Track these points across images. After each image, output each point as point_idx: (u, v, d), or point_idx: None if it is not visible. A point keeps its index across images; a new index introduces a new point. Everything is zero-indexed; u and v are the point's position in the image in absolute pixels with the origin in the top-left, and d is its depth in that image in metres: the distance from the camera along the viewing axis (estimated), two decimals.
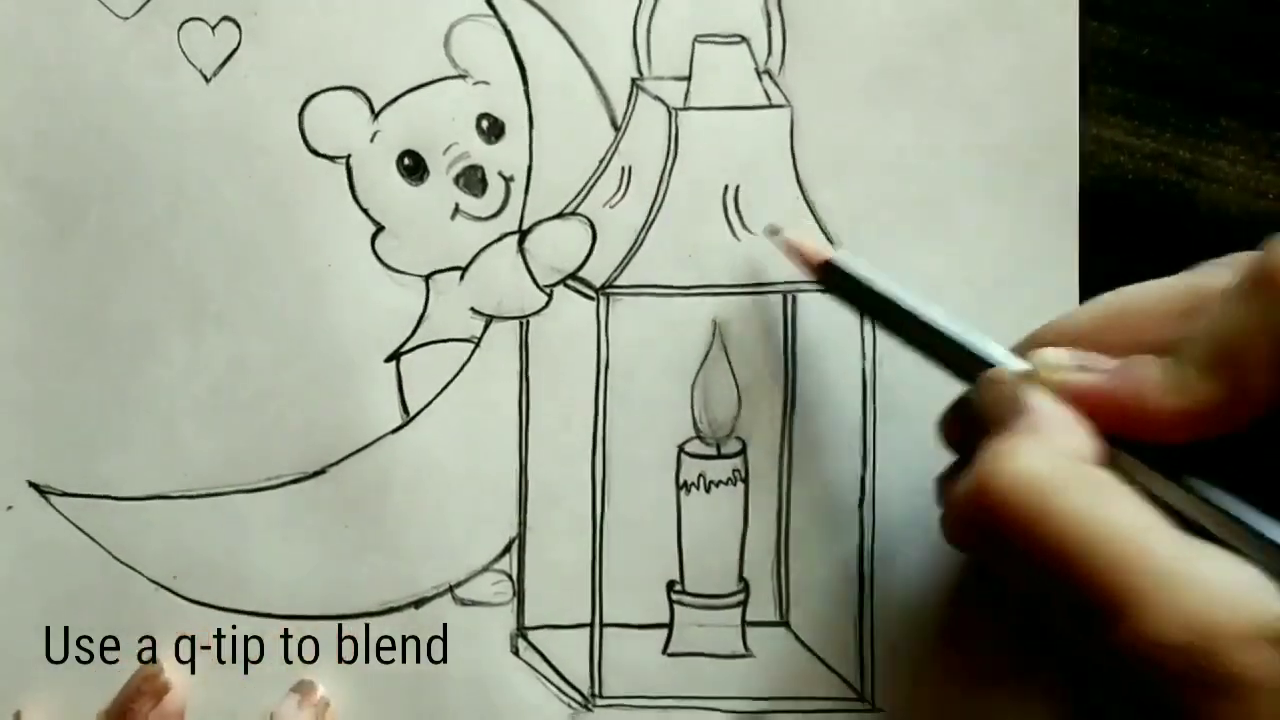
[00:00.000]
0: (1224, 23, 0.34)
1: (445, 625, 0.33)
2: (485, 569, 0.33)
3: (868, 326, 0.32)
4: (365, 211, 0.33)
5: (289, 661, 0.33)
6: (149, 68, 0.33)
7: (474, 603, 0.33)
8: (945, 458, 0.30)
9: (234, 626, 0.33)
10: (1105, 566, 0.24)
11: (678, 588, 0.33)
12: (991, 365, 0.28)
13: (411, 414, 0.33)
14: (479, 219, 0.33)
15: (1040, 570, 0.24)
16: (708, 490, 0.33)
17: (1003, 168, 0.33)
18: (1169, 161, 0.34)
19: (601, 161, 0.33)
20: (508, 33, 0.33)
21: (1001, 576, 0.28)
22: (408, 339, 0.33)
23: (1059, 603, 0.25)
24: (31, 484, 0.33)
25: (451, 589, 0.33)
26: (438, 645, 0.33)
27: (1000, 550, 0.25)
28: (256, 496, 0.33)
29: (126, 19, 0.34)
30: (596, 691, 0.33)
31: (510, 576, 0.33)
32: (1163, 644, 0.23)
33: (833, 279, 0.31)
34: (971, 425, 0.28)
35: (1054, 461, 0.25)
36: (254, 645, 0.33)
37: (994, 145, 0.33)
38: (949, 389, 0.29)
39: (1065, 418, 0.26)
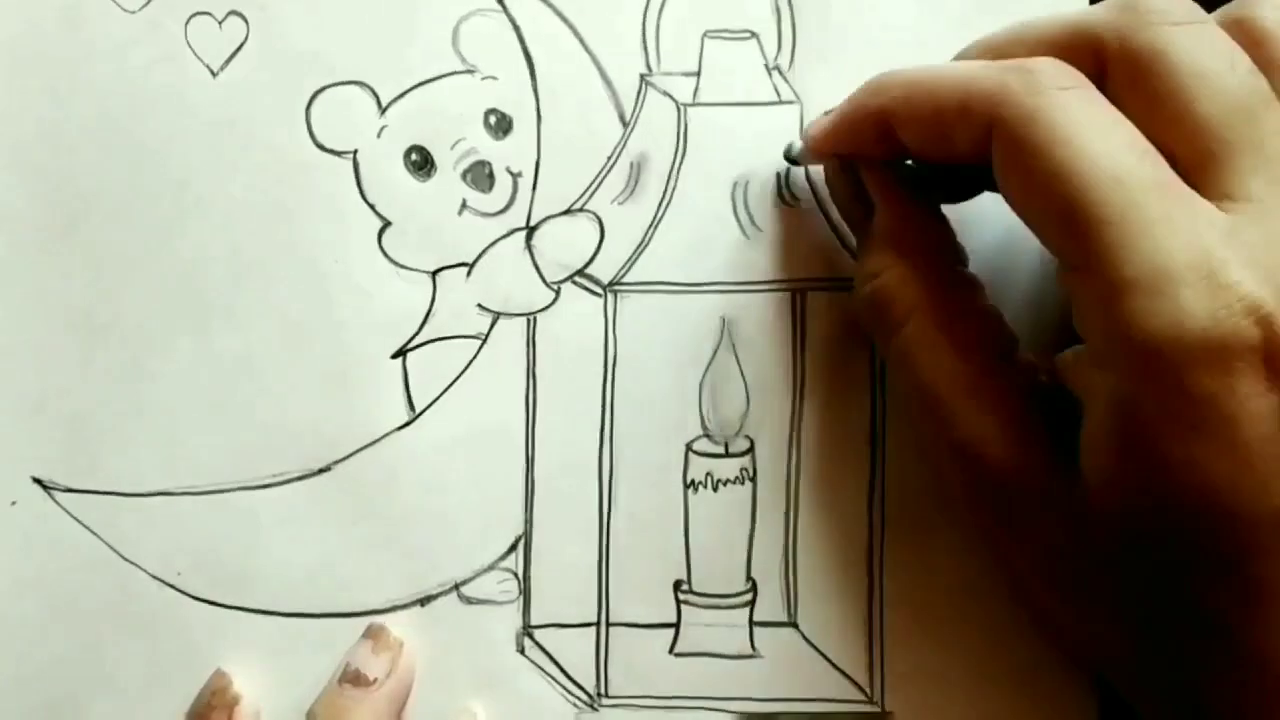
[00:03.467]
0: None
1: (450, 623, 0.33)
2: (491, 567, 0.33)
3: None
4: (372, 207, 0.33)
5: (292, 659, 0.32)
6: (156, 62, 0.33)
7: (480, 601, 0.33)
8: None
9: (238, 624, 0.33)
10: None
11: (685, 587, 0.33)
12: None
13: (418, 411, 0.33)
14: (486, 215, 0.33)
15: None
16: (715, 489, 0.33)
17: None
18: None
19: (610, 157, 0.33)
20: (516, 28, 0.33)
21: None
22: (414, 335, 0.33)
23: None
24: (36, 480, 0.33)
25: (457, 587, 0.33)
26: (443, 643, 0.32)
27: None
28: (261, 493, 0.33)
29: (133, 13, 0.34)
30: (602, 691, 0.32)
31: (516, 575, 0.33)
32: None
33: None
34: None
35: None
36: (258, 643, 0.33)
37: None
38: None
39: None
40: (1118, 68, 0.26)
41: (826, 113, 0.31)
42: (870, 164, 0.30)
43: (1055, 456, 0.27)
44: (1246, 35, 0.26)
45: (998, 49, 0.28)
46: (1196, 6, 0.26)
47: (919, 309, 0.28)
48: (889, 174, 0.30)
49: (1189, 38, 0.25)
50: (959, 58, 0.29)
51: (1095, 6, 0.27)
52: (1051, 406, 0.27)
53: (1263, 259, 0.24)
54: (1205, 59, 0.25)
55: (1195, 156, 0.25)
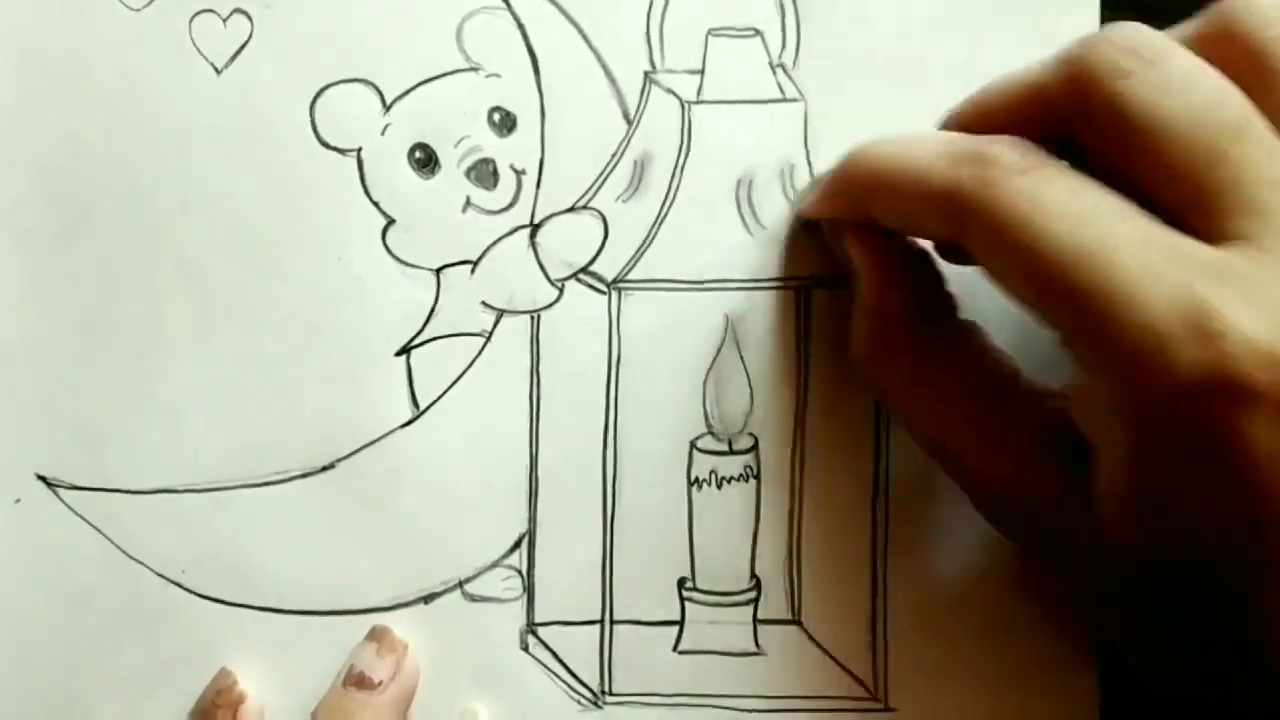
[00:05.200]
0: None
1: (454, 621, 0.33)
2: (495, 565, 0.33)
3: None
4: (376, 204, 0.33)
5: (296, 657, 0.32)
6: (160, 60, 0.33)
7: (484, 599, 0.33)
8: None
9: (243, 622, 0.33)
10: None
11: (689, 585, 0.33)
12: None
13: (421, 408, 0.33)
14: (490, 212, 0.33)
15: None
16: (719, 487, 0.33)
17: None
18: None
19: (614, 155, 0.33)
20: (520, 25, 0.33)
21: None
22: (418, 333, 0.33)
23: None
24: (40, 477, 0.33)
25: (461, 584, 0.33)
26: (447, 641, 0.32)
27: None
28: (265, 491, 0.33)
29: (137, 11, 0.34)
30: (606, 688, 0.32)
31: (520, 572, 0.33)
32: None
33: None
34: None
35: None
36: (261, 640, 0.33)
37: None
38: None
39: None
40: (1079, 127, 0.26)
41: (813, 182, 0.31)
42: (851, 227, 0.30)
43: (1072, 485, 0.26)
44: (1230, 48, 0.25)
45: (963, 125, 0.28)
46: (1153, 40, 0.25)
47: (902, 368, 0.29)
48: (868, 236, 0.29)
49: (1144, 86, 0.25)
50: (940, 128, 0.29)
51: (1050, 60, 0.27)
52: (1063, 433, 0.27)
53: (1260, 294, 0.23)
54: (1162, 107, 0.24)
55: (1177, 203, 0.24)
